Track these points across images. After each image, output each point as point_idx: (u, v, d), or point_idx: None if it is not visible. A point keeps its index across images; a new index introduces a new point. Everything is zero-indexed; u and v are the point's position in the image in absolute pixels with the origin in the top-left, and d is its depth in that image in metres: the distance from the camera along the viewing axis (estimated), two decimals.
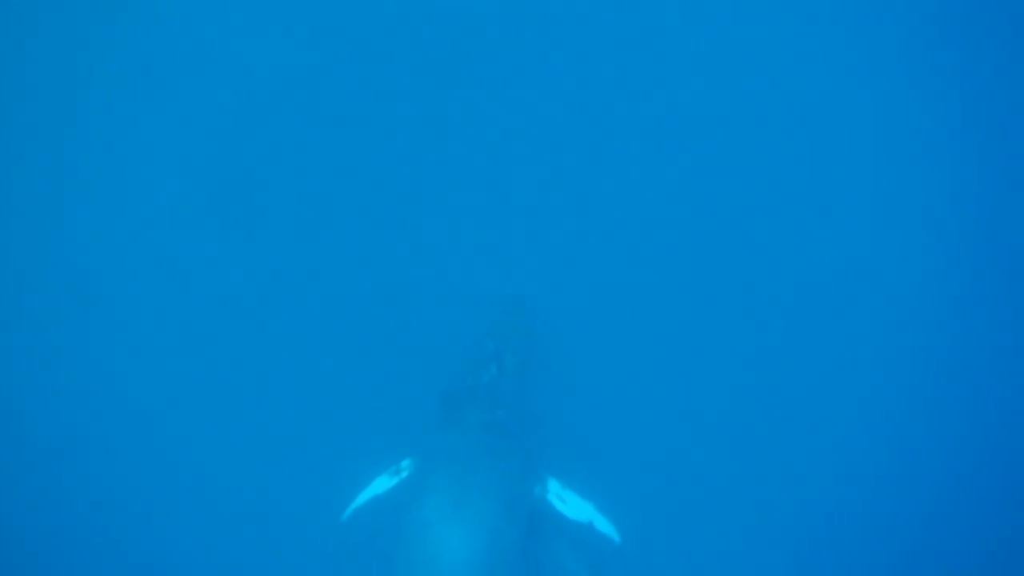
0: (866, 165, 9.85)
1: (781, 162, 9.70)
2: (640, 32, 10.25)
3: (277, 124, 9.95)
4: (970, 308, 9.24)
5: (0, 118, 9.84)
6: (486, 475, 6.57)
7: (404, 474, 7.04)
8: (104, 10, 10.17)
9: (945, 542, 8.15)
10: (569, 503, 6.91)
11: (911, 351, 9.10)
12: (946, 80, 9.95)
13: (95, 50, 10.12)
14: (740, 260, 9.28)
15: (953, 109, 9.89)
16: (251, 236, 9.44)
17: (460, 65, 10.07)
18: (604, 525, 6.89)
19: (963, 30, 10.03)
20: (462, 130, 9.85)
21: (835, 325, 9.16)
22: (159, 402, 8.63)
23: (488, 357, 7.30)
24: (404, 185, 9.67)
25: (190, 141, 9.85)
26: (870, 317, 9.23)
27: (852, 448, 8.61)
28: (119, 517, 8.10)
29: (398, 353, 8.56)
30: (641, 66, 10.07)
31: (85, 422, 8.61)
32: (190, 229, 9.46)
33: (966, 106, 9.90)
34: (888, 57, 10.19)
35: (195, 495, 8.19)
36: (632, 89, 10.01)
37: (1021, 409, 8.73)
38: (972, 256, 9.45)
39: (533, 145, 9.78)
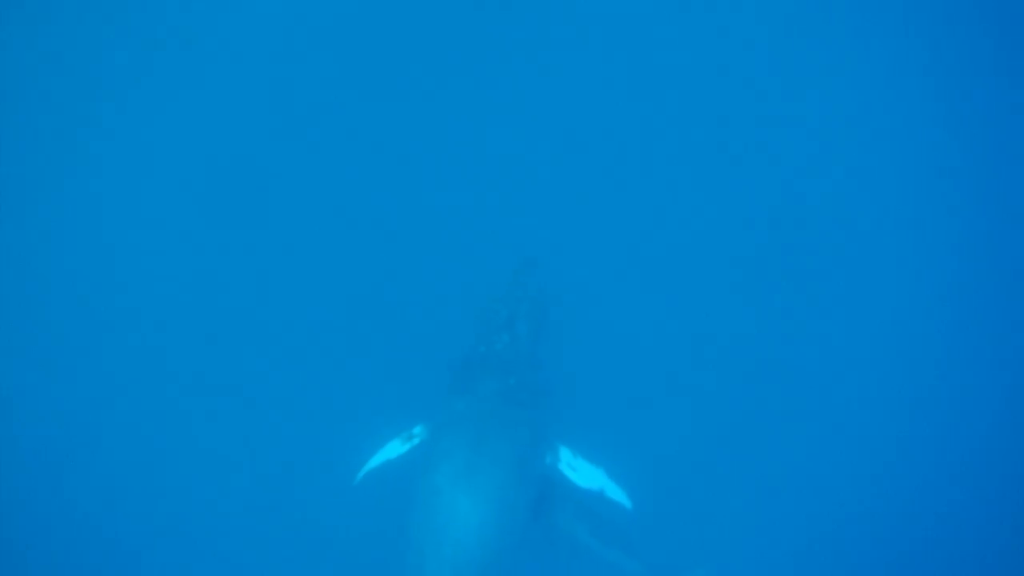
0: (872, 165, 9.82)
1: (784, 146, 9.78)
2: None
3: (303, 92, 10.03)
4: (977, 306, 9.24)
5: (3, 117, 9.81)
6: (497, 443, 6.57)
7: (416, 441, 7.05)
8: (106, 9, 10.09)
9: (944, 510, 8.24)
10: (580, 471, 6.89)
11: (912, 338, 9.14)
12: (946, 82, 9.87)
13: (96, 49, 10.07)
14: (751, 230, 9.32)
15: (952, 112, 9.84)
16: (270, 203, 9.49)
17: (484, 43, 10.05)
18: (615, 492, 6.88)
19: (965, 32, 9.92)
20: (478, 103, 9.82)
21: (847, 294, 9.18)
22: (181, 367, 8.74)
23: (501, 325, 7.25)
24: (420, 154, 9.66)
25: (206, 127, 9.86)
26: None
27: (863, 424, 8.65)
28: (140, 480, 8.26)
29: (413, 320, 8.58)
30: (651, 57, 10.08)
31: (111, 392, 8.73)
32: (216, 195, 9.52)
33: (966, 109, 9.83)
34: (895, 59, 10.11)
35: (215, 456, 8.30)
36: (639, 75, 10.02)
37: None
38: (976, 256, 9.45)
39: (546, 115, 9.74)
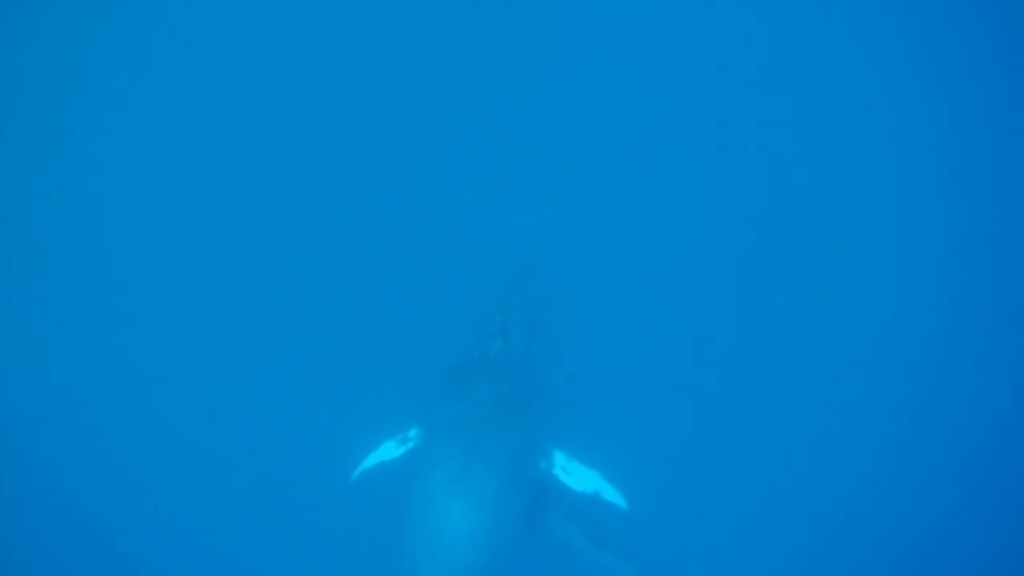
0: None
1: (784, 146, 9.74)
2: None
3: (303, 94, 10.04)
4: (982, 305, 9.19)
5: (4, 116, 9.83)
6: (491, 449, 6.56)
7: (411, 444, 7.06)
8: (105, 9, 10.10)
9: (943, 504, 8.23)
10: (575, 475, 6.89)
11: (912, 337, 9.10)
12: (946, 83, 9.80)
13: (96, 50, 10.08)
14: (750, 231, 9.28)
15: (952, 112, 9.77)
16: (269, 204, 9.52)
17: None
18: (611, 493, 6.89)
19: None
20: (476, 105, 9.81)
21: (846, 295, 9.16)
22: (178, 366, 8.78)
23: (495, 330, 7.25)
24: (417, 157, 9.65)
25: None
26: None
27: (861, 425, 8.61)
28: (135, 478, 8.30)
29: (409, 322, 8.59)
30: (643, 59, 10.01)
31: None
32: (215, 196, 9.55)
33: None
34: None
35: (211, 455, 8.33)
36: (638, 78, 9.97)
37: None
38: (976, 256, 9.39)
39: (542, 118, 9.71)
